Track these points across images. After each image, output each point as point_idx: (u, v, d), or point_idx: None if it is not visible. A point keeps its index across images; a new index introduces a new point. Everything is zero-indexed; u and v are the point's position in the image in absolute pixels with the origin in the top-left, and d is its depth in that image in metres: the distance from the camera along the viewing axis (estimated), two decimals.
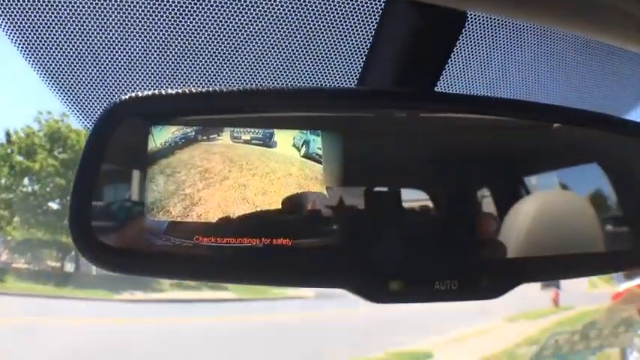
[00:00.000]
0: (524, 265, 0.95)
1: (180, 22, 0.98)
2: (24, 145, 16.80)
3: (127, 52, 1.01)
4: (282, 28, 1.02)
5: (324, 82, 1.09)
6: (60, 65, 1.01)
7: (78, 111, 1.03)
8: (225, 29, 0.99)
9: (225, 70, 1.02)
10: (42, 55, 1.00)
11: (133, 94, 0.79)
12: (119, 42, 1.00)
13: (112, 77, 1.01)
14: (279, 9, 0.99)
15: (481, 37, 1.11)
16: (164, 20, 0.97)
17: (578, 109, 1.07)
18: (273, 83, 1.08)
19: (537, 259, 0.97)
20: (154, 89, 0.80)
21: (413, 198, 0.96)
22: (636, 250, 1.08)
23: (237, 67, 1.02)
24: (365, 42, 1.04)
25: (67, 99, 1.02)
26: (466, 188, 1.06)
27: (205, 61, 1.00)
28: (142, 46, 1.01)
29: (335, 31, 1.03)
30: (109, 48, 1.01)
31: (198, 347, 9.35)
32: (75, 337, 9.50)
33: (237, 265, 0.81)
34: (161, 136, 0.80)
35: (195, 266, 0.80)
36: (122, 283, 14.64)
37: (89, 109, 1.03)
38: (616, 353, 7.72)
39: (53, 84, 1.03)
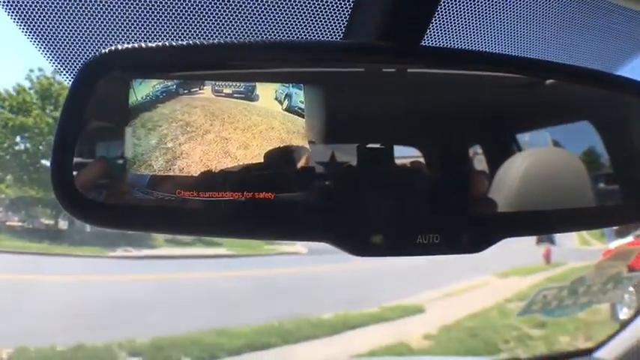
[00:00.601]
0: (508, 219, 0.96)
1: None
2: (15, 103, 16.64)
3: (112, 5, 1.00)
4: None
5: (309, 36, 1.08)
6: (42, 18, 1.00)
7: (61, 64, 1.02)
8: None
9: (206, 24, 1.01)
10: (24, 7, 0.98)
11: (113, 48, 0.78)
12: None
13: (97, 30, 1.00)
14: None
15: None
16: None
17: (571, 65, 1.06)
18: (256, 37, 1.06)
19: (522, 213, 0.97)
20: (136, 42, 0.79)
21: (402, 155, 0.96)
22: (625, 206, 1.09)
23: (219, 21, 1.01)
24: None
25: (50, 52, 1.01)
26: (458, 145, 1.05)
27: (187, 16, 0.99)
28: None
29: None
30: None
31: (193, 300, 9.40)
32: (69, 294, 9.55)
33: (218, 218, 0.80)
34: (142, 89, 0.80)
35: (177, 220, 0.80)
36: (116, 240, 14.66)
37: (73, 62, 1.02)
38: (606, 309, 7.81)
39: (36, 37, 1.01)
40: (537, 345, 7.33)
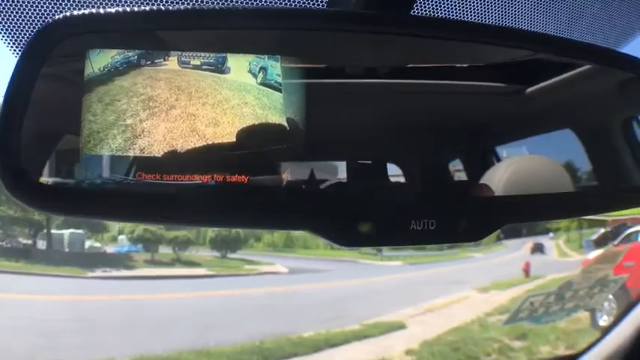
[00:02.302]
0: (506, 205, 0.89)
1: None
2: None
3: None
4: None
5: (291, 2, 1.00)
6: None
7: (9, 35, 0.93)
8: None
9: None
10: None
11: (68, 14, 0.70)
12: None
13: None
14: None
15: None
16: None
17: (571, 38, 1.01)
18: (233, 2, 0.99)
19: (520, 198, 0.90)
20: (92, 8, 0.71)
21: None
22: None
23: None
24: None
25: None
26: (438, 157, 1.04)
27: None
28: None
29: None
30: None
31: (173, 320, 9.36)
32: (46, 312, 9.48)
33: (186, 204, 0.72)
34: (99, 60, 0.71)
35: (137, 206, 0.71)
36: (94, 261, 14.63)
37: (21, 32, 0.94)
38: (586, 317, 7.86)
39: None
40: (519, 356, 7.34)
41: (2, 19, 0.91)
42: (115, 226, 17.71)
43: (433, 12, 1.04)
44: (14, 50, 0.95)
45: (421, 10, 1.02)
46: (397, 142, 0.98)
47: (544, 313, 6.05)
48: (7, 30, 0.92)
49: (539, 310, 6.02)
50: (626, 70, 0.99)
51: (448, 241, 0.80)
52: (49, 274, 13.27)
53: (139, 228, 15.97)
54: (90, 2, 0.89)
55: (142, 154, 0.70)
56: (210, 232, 17.40)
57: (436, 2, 1.01)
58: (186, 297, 11.75)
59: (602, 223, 12.80)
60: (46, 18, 0.90)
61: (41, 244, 16.34)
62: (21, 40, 0.94)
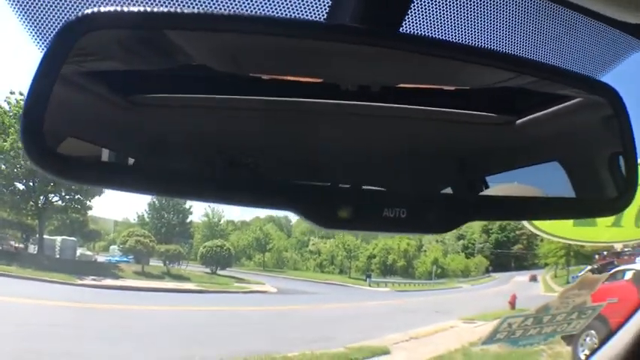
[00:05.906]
0: (479, 202, 0.96)
1: None
2: None
3: None
4: None
5: (291, 14, 1.06)
6: None
7: (36, 30, 1.02)
8: None
9: None
10: None
11: (96, 10, 0.78)
12: None
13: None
14: None
15: None
16: None
17: (552, 65, 1.07)
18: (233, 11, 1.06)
19: (494, 198, 0.97)
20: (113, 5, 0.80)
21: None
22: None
23: None
24: None
25: (26, 18, 1.00)
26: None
27: None
28: None
29: None
30: None
31: (159, 333, 9.29)
32: (32, 317, 9.40)
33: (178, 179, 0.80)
34: None
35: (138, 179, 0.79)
36: (85, 269, 14.55)
37: (47, 29, 1.02)
38: (568, 351, 7.85)
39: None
40: None
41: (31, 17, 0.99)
42: (107, 235, 17.63)
43: (422, 31, 1.11)
44: (40, 46, 1.03)
45: (410, 28, 1.09)
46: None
47: (522, 335, 6.05)
48: (34, 27, 1.01)
49: (517, 333, 6.02)
50: (599, 95, 1.05)
51: (417, 231, 0.87)
52: (39, 278, 13.19)
53: (132, 239, 15.94)
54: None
55: None
56: (202, 247, 17.35)
57: (426, 21, 1.07)
58: (174, 310, 11.66)
59: (589, 261, 12.79)
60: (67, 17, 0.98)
61: (32, 249, 16.25)
62: (46, 36, 1.02)
